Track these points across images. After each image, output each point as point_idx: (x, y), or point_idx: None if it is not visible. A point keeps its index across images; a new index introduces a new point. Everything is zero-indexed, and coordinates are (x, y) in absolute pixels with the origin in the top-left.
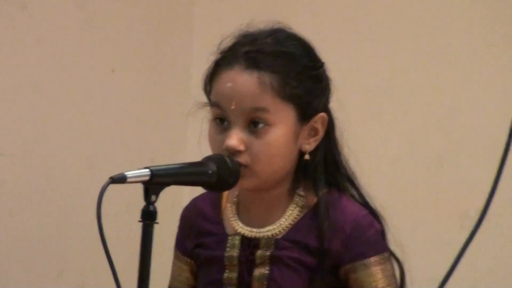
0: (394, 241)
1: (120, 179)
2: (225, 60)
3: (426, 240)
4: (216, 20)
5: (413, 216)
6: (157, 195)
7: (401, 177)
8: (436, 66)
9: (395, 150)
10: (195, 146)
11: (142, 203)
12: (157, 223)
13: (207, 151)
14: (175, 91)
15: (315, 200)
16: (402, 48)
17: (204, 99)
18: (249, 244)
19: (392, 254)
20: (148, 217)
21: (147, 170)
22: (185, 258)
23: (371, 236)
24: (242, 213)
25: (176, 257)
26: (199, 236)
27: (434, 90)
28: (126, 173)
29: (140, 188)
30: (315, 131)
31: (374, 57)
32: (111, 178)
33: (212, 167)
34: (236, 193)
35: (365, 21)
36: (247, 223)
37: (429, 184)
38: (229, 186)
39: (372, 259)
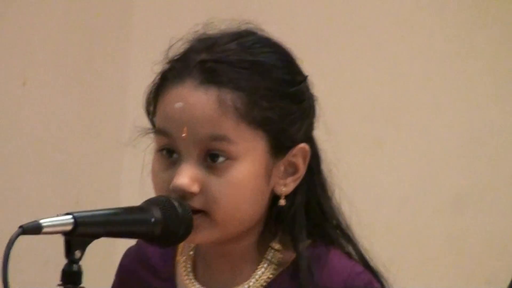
0: None
1: (33, 229)
2: (174, 72)
3: None
4: (158, 20)
5: (425, 276)
6: (82, 250)
7: (409, 225)
8: (454, 85)
9: (402, 191)
10: (133, 185)
11: (63, 261)
12: (82, 287)
13: (150, 193)
14: (107, 111)
15: (294, 255)
16: (409, 60)
17: (146, 122)
18: None
19: None
20: (71, 279)
21: (70, 217)
22: None
23: None
24: (200, 271)
25: None
26: None
27: (449, 113)
28: (41, 221)
29: (60, 240)
30: (294, 167)
31: (374, 71)
32: (21, 227)
33: (156, 214)
34: (193, 244)
35: (363, 25)
36: (205, 284)
37: (445, 235)
38: (178, 239)
39: None
